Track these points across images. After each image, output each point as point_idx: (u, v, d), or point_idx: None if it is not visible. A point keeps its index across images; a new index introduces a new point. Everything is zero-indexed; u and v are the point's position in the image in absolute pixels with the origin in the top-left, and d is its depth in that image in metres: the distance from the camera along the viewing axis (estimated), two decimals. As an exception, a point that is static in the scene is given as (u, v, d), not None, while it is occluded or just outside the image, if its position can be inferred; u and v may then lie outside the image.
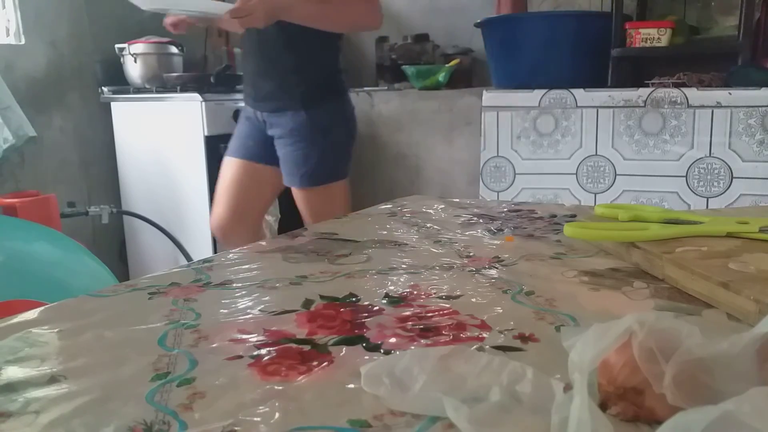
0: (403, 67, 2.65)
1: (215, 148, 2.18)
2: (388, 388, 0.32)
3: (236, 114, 2.26)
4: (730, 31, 2.04)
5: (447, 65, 2.59)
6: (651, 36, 1.87)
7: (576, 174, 1.83)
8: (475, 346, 0.39)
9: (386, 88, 2.79)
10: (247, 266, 0.58)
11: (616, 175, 1.80)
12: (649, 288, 0.51)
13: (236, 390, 0.34)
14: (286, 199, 2.46)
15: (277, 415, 0.31)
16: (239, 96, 2.33)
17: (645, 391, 0.30)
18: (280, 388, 0.34)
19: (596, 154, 1.81)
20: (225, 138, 2.20)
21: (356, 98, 2.68)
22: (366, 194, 2.69)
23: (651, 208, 0.68)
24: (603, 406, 0.31)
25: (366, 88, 2.79)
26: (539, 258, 0.60)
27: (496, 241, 0.66)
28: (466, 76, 2.77)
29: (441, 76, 2.58)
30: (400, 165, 2.65)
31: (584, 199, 1.82)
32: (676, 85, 1.77)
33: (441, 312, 0.45)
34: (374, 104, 2.65)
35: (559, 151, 1.85)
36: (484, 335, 0.41)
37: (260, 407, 0.32)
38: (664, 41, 1.87)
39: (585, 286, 0.52)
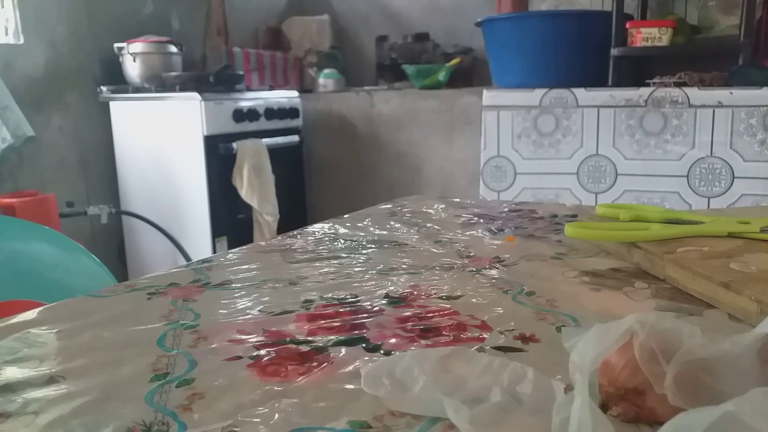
0: (404, 66, 2.66)
1: (215, 147, 2.18)
2: (388, 388, 0.32)
3: (236, 113, 2.26)
4: (731, 31, 2.04)
5: (447, 64, 2.59)
6: (652, 35, 1.87)
7: (577, 174, 1.83)
8: (475, 347, 0.39)
9: (386, 87, 2.79)
10: (246, 266, 0.58)
11: (617, 174, 1.80)
12: (651, 288, 0.51)
13: (235, 391, 0.34)
14: (285, 199, 2.46)
15: (276, 416, 0.31)
16: (239, 95, 2.33)
17: (646, 392, 0.30)
18: (280, 388, 0.34)
19: (597, 154, 1.81)
20: (225, 137, 2.21)
21: (356, 97, 2.68)
22: (366, 193, 2.69)
23: (652, 208, 0.68)
24: (604, 407, 0.31)
25: (366, 88, 2.79)
26: (540, 258, 0.60)
27: (496, 241, 0.66)
28: (467, 76, 2.77)
29: (441, 76, 2.58)
30: (401, 164, 2.65)
31: (585, 199, 1.82)
32: (678, 85, 1.77)
33: (441, 312, 0.45)
34: (374, 104, 2.65)
35: (559, 151, 1.85)
36: (485, 336, 0.41)
37: (260, 408, 0.32)
38: (665, 40, 1.87)
39: (586, 286, 0.52)
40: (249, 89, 2.50)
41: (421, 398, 0.31)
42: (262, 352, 0.39)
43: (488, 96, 1.91)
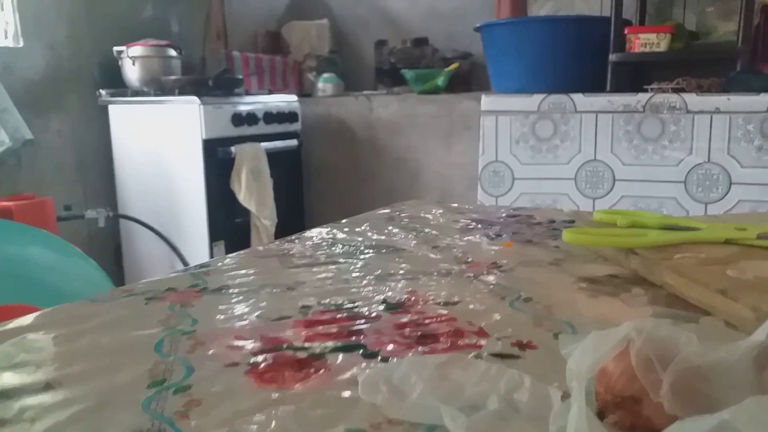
0: (403, 71, 2.66)
1: (213, 151, 2.18)
2: (386, 396, 0.32)
3: (235, 117, 2.26)
4: (729, 37, 2.04)
5: (446, 69, 2.59)
6: (650, 41, 1.88)
7: (575, 179, 1.83)
8: (472, 354, 0.39)
9: (385, 92, 2.79)
10: (244, 271, 0.58)
11: (614, 180, 1.80)
12: (648, 295, 0.51)
13: (233, 398, 0.34)
14: (283, 203, 2.46)
15: (273, 423, 0.31)
16: (238, 99, 2.33)
17: (643, 400, 0.30)
18: (277, 395, 0.34)
19: (595, 159, 1.81)
20: (223, 141, 2.21)
21: (355, 102, 2.68)
22: (365, 198, 2.69)
23: (649, 214, 0.68)
24: (601, 415, 0.31)
25: (365, 92, 2.80)
26: (537, 264, 0.60)
27: (494, 247, 0.66)
28: (465, 80, 2.78)
29: (440, 81, 2.58)
30: (399, 169, 2.65)
31: (583, 205, 1.82)
32: (675, 91, 1.77)
33: (439, 319, 0.45)
34: (373, 108, 2.65)
35: (557, 156, 1.85)
36: (482, 342, 0.41)
37: (257, 415, 0.32)
38: (663, 46, 1.88)
39: (583, 292, 0.52)
40: (248, 93, 2.50)
41: (419, 405, 0.31)
42: (260, 358, 0.39)
43: (487, 101, 1.91)
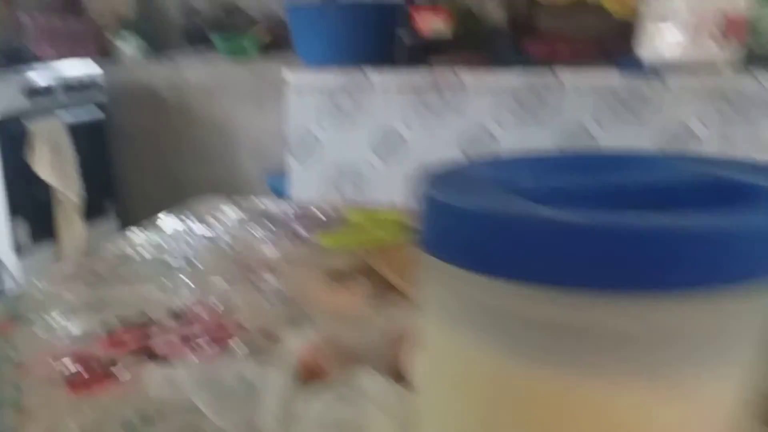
0: (212, 36, 2.67)
1: (6, 128, 2.06)
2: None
3: (28, 90, 2.14)
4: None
5: (254, 33, 2.66)
6: (434, 23, 2.14)
7: (374, 146, 2.08)
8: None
9: (195, 55, 2.78)
10: (55, 294, 0.69)
11: (406, 145, 2.08)
12: (368, 283, 0.72)
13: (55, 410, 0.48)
14: (91, 175, 2.39)
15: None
16: (28, 68, 2.19)
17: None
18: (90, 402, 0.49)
19: (390, 128, 2.07)
20: (17, 117, 2.08)
21: (163, 67, 2.65)
22: (178, 165, 2.72)
23: (385, 213, 0.90)
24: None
25: (173, 56, 2.76)
26: (301, 262, 0.79)
27: (271, 247, 0.84)
28: (280, 43, 2.86)
29: (249, 45, 2.65)
30: (214, 134, 2.70)
31: (382, 168, 2.09)
32: (452, 67, 2.07)
33: (216, 323, 0.62)
34: (182, 73, 2.65)
35: (358, 127, 2.08)
36: (241, 338, 0.59)
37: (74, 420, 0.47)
38: (445, 29, 2.15)
39: (327, 285, 0.72)
40: (40, 60, 2.35)
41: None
42: (75, 372, 0.53)
43: (291, 76, 2.06)
